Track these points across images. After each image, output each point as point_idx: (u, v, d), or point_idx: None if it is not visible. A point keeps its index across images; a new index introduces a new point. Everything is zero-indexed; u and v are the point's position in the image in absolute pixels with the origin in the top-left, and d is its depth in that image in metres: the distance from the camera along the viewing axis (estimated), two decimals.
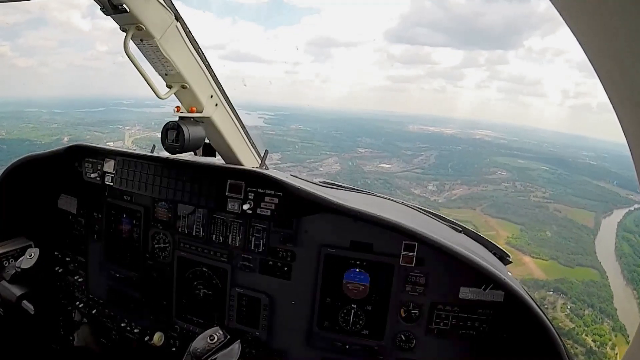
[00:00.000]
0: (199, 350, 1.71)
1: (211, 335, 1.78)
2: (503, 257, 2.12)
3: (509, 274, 1.88)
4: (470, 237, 2.14)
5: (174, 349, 2.25)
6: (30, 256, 2.22)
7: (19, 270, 2.21)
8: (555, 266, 29.78)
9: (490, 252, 2.11)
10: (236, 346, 1.82)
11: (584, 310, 23.36)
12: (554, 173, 57.80)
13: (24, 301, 2.16)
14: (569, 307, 23.51)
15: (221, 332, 1.81)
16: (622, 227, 36.31)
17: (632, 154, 0.74)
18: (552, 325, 1.70)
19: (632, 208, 42.27)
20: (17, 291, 2.17)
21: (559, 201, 46.63)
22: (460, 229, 2.13)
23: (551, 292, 24.56)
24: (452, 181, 54.96)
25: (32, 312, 2.14)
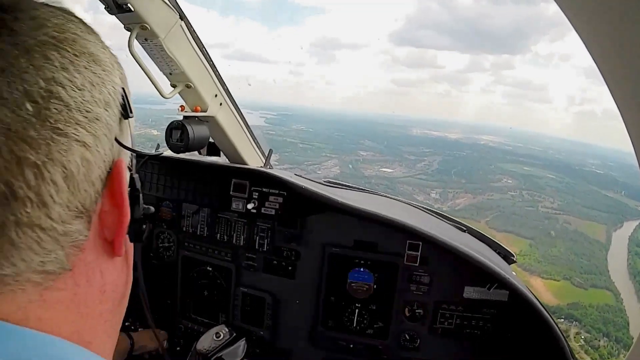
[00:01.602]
0: (204, 348, 1.70)
1: (217, 333, 1.76)
2: (507, 257, 2.12)
3: (513, 274, 1.88)
4: (475, 237, 2.14)
5: (178, 349, 2.24)
6: None
7: None
8: (568, 287, 28.45)
9: (495, 251, 2.11)
10: (242, 344, 1.80)
11: (599, 341, 22.15)
12: (561, 181, 57.00)
13: None
14: (583, 336, 22.23)
15: (227, 330, 1.79)
16: (634, 241, 35.04)
17: (638, 160, 0.74)
18: (557, 325, 1.70)
19: None
20: None
21: (568, 212, 45.56)
22: (465, 229, 2.12)
23: (562, 319, 22.97)
24: (456, 189, 54.35)
25: None
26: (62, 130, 0.42)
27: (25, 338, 0.41)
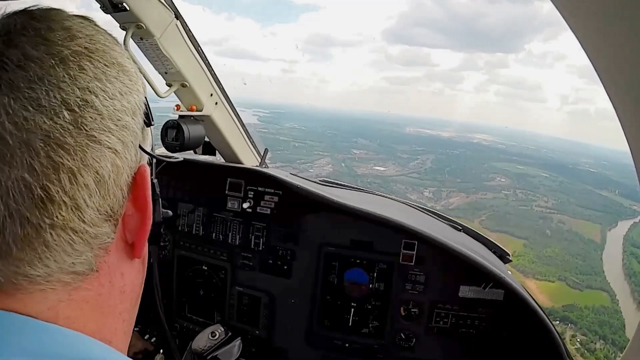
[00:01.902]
0: (200, 347, 1.71)
1: (212, 332, 1.77)
2: (503, 256, 2.13)
3: (508, 273, 1.88)
4: (470, 236, 2.14)
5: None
6: None
7: None
8: (563, 289, 28.06)
9: (490, 250, 2.11)
10: (237, 344, 1.81)
11: (595, 343, 21.65)
12: (555, 180, 57.10)
13: None
14: (578, 339, 21.72)
15: (222, 329, 1.80)
16: (629, 241, 34.74)
17: (633, 158, 0.74)
18: (552, 324, 1.71)
19: (637, 220, 41.33)
20: None
21: (563, 212, 45.40)
22: (460, 228, 2.13)
23: (558, 322, 22.25)
24: (450, 188, 54.34)
25: None
26: (96, 137, 0.44)
27: (55, 334, 0.44)
